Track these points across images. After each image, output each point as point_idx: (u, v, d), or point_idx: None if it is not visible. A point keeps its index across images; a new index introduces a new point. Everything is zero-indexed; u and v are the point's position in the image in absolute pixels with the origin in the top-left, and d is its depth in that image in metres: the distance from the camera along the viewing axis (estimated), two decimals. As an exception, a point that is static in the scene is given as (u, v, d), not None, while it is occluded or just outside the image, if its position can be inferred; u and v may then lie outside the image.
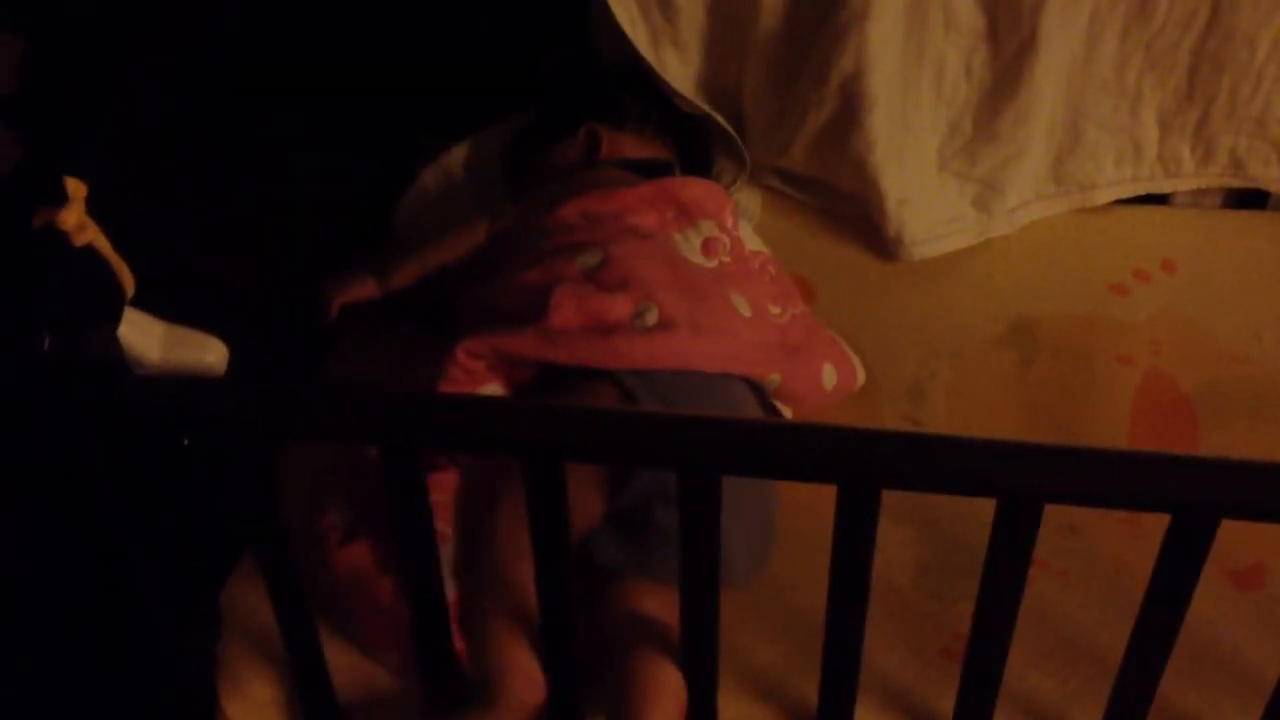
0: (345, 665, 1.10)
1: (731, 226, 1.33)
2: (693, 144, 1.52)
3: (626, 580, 1.10)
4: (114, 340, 0.88)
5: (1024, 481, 0.84)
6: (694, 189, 1.33)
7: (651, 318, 1.18)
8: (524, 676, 1.04)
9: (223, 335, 0.96)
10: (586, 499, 1.09)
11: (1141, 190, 1.55)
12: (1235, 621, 1.11)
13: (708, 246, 1.29)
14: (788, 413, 1.29)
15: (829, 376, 1.30)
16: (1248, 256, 1.52)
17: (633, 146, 1.44)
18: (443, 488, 1.12)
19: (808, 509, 0.98)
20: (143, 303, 0.92)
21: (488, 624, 1.06)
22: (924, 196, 1.50)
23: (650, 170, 1.36)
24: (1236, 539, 1.00)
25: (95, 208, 0.87)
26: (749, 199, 1.56)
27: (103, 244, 0.86)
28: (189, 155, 1.30)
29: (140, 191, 1.19)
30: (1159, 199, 1.57)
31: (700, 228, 1.30)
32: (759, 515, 1.14)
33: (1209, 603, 1.00)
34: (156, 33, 1.28)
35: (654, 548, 1.07)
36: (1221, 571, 1.15)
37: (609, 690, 1.04)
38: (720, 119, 1.52)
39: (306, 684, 1.10)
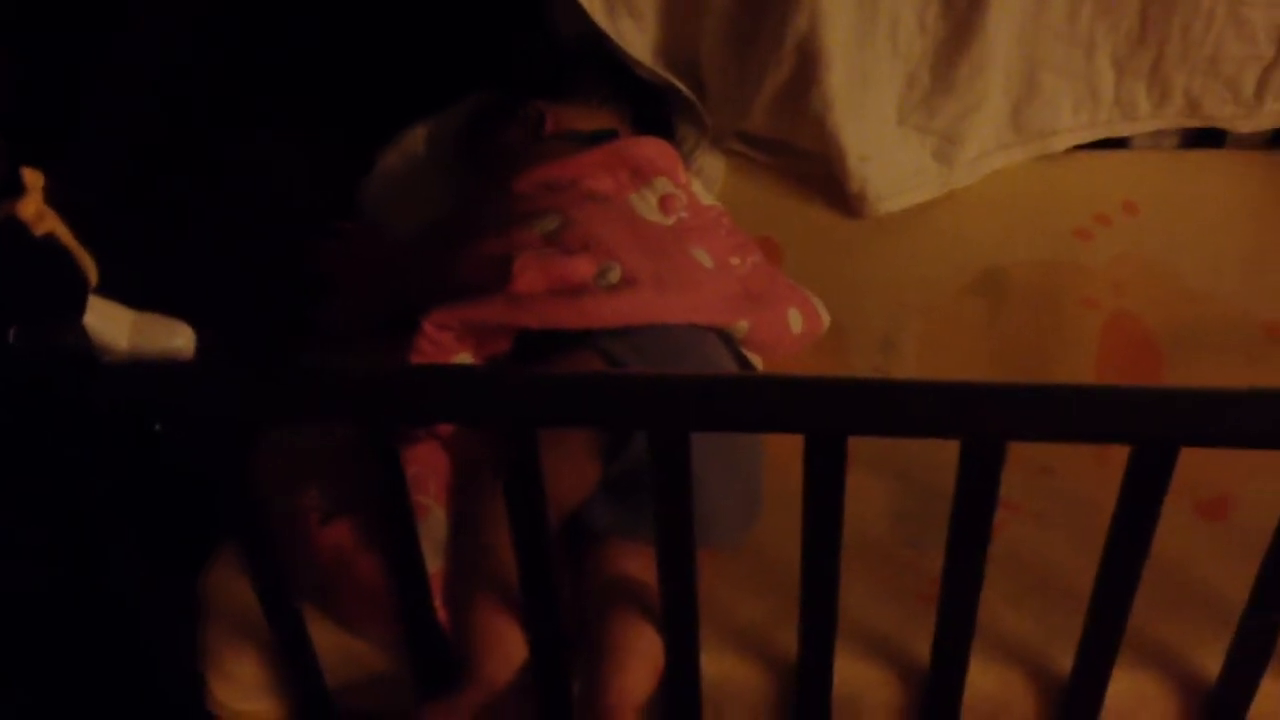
0: (332, 643, 1.11)
1: (685, 182, 1.34)
2: (654, 112, 1.52)
3: (613, 543, 1.12)
4: (80, 329, 0.89)
5: (985, 421, 0.85)
6: (645, 148, 1.34)
7: (615, 276, 1.19)
8: (500, 654, 1.04)
9: (202, 323, 0.96)
10: (582, 467, 1.10)
11: (1100, 135, 1.56)
12: (1203, 552, 1.13)
13: (665, 204, 1.30)
14: (758, 362, 1.30)
15: (795, 320, 1.31)
16: (1207, 195, 1.53)
17: (579, 119, 1.44)
18: (421, 460, 1.13)
19: (787, 464, 0.99)
20: (117, 291, 0.92)
21: (468, 598, 1.07)
22: (885, 152, 1.51)
23: (595, 141, 1.37)
24: (1202, 471, 1.01)
25: (71, 199, 0.87)
26: (712, 164, 1.56)
27: (63, 233, 0.86)
28: (161, 147, 1.31)
29: (115, 181, 1.19)
30: (1118, 143, 1.58)
31: (655, 186, 1.31)
32: (745, 474, 1.15)
33: (1177, 535, 1.01)
34: (126, 30, 1.28)
35: (644, 509, 1.08)
36: (1189, 503, 1.16)
37: (586, 653, 1.05)
38: (680, 85, 1.53)
39: (292, 664, 1.11)
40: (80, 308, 0.89)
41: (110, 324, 0.91)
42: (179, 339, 0.94)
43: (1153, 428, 0.84)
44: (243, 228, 1.41)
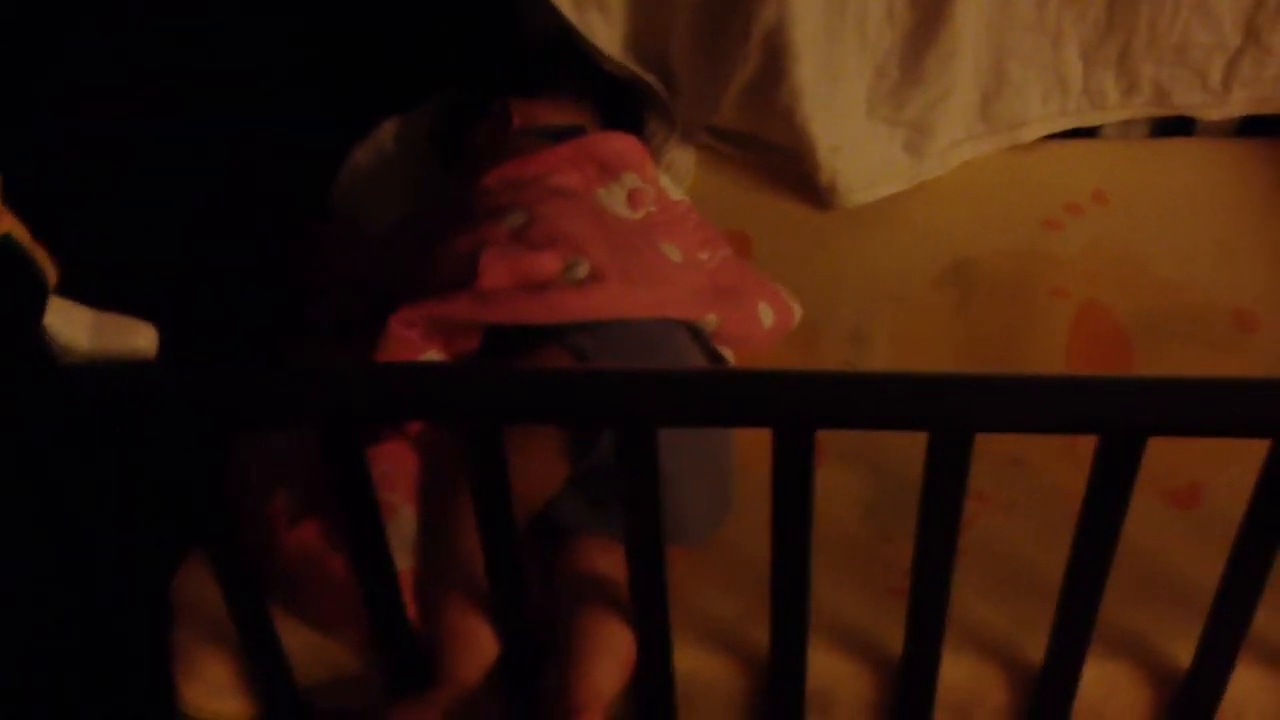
0: (302, 643, 1.11)
1: (653, 177, 1.34)
2: (622, 107, 1.52)
3: (583, 539, 1.11)
4: (40, 330, 0.88)
5: (951, 412, 0.85)
6: (613, 143, 1.34)
7: (582, 271, 1.18)
8: (472, 653, 1.04)
9: (183, 322, 0.95)
10: (550, 464, 1.10)
11: (1069, 125, 1.57)
12: (1175, 540, 1.13)
13: (633, 198, 1.30)
14: (730, 356, 1.30)
15: (765, 314, 1.31)
16: (1177, 184, 1.54)
17: (548, 113, 1.44)
18: (389, 458, 1.12)
19: (759, 458, 0.99)
20: (88, 290, 0.91)
21: (438, 597, 1.06)
22: (855, 144, 1.51)
23: (563, 137, 1.37)
24: (1173, 460, 1.01)
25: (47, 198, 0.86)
26: (683, 158, 1.56)
27: (20, 233, 0.85)
28: (136, 149, 1.29)
29: (91, 183, 1.18)
30: (1087, 132, 1.59)
31: (623, 181, 1.31)
32: (715, 468, 1.15)
33: (1148, 524, 1.01)
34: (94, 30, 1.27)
35: (614, 505, 1.07)
36: (1159, 492, 1.17)
37: (556, 648, 1.04)
38: (650, 79, 1.53)
39: (262, 666, 1.10)
40: (40, 309, 0.88)
41: (71, 324, 0.90)
42: (140, 339, 0.92)
43: (1119, 418, 0.84)
44: (221, 225, 1.40)
